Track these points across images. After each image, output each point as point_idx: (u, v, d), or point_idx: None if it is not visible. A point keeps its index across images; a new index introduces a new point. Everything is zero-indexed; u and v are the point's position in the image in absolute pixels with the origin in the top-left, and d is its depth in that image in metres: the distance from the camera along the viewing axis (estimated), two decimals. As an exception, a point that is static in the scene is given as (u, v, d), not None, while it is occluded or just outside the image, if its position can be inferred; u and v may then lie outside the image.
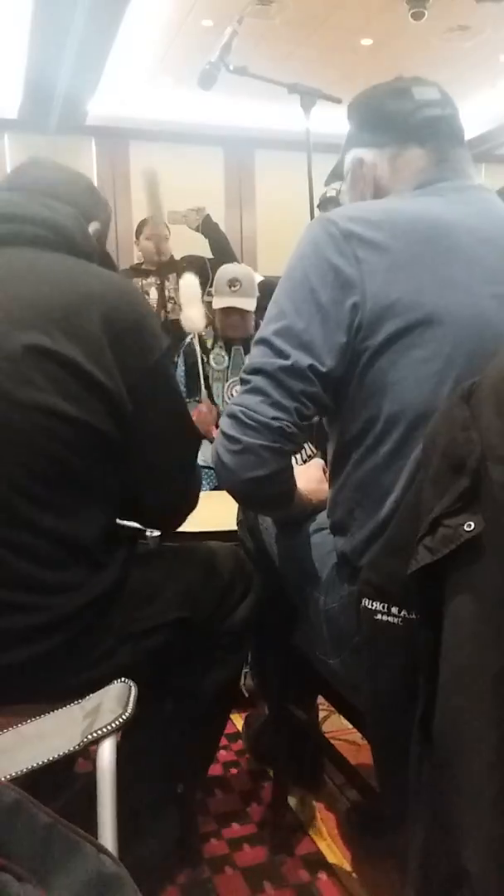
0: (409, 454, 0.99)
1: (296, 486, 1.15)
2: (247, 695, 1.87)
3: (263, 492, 1.06)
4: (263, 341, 1.03)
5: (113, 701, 0.87)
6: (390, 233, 1.01)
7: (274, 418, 0.99)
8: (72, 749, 0.78)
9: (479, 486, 0.78)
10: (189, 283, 2.59)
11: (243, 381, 1.03)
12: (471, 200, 1.09)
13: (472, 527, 0.77)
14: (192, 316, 2.57)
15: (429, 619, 0.83)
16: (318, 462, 1.40)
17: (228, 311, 2.84)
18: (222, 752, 1.77)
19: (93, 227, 1.25)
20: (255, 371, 1.02)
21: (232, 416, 1.01)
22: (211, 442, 2.97)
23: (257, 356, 1.03)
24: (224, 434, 1.02)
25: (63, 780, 1.30)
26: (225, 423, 1.03)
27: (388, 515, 1.01)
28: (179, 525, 1.30)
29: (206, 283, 3.10)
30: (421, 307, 0.98)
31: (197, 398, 2.96)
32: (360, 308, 0.99)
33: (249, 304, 2.82)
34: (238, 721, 1.87)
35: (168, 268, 3.74)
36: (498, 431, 0.79)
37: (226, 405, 2.93)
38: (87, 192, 1.29)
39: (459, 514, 0.79)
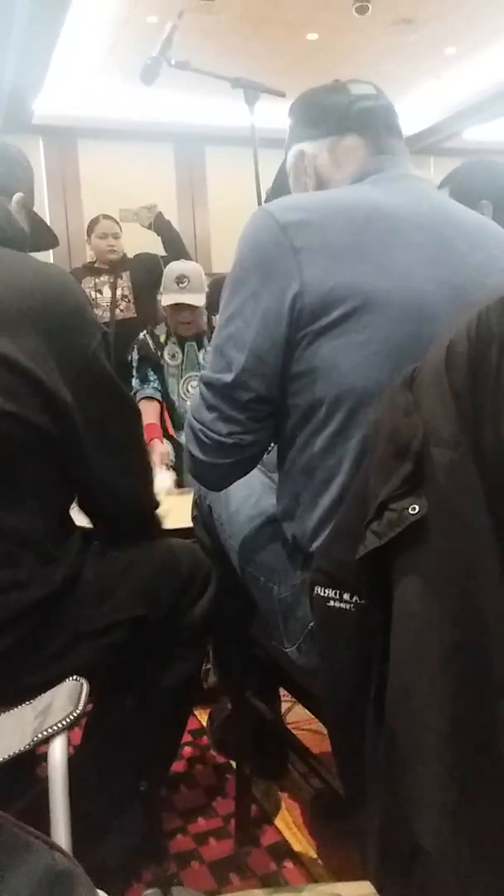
0: (351, 437, 1.00)
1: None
2: (209, 690, 1.87)
3: (228, 485, 1.21)
4: (215, 349, 1.07)
5: (64, 699, 0.87)
6: (328, 218, 1.03)
7: (228, 434, 1.05)
8: (22, 748, 0.78)
9: (423, 470, 0.79)
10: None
11: (201, 391, 1.08)
12: (406, 188, 1.10)
13: (417, 510, 0.78)
14: None
15: (379, 603, 0.84)
16: None
17: (178, 307, 2.83)
18: (186, 749, 1.77)
19: (16, 199, 1.21)
20: (208, 385, 1.07)
21: (193, 431, 1.09)
22: (168, 439, 2.93)
23: (210, 366, 1.08)
24: (188, 451, 1.12)
25: (25, 783, 1.29)
26: (189, 436, 1.11)
27: (335, 500, 1.02)
28: (145, 526, 1.30)
29: (159, 282, 3.09)
30: (359, 293, 0.99)
31: (155, 385, 2.95)
32: (298, 299, 0.99)
33: (198, 300, 2.82)
34: (202, 717, 1.87)
35: (121, 266, 3.72)
36: (440, 416, 0.80)
37: (181, 400, 2.93)
38: (2, 159, 1.23)
39: (404, 498, 0.80)
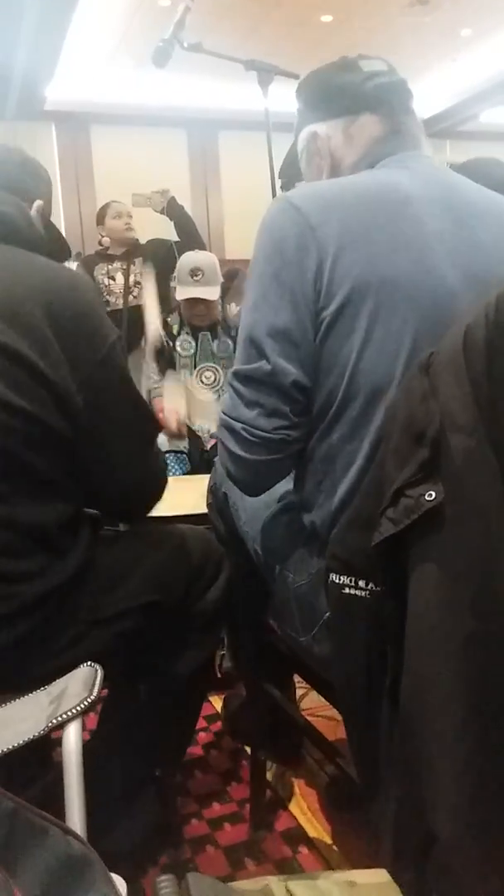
0: (371, 423, 0.99)
1: None
2: (220, 675, 1.88)
3: (271, 486, 1.15)
4: (246, 340, 1.04)
5: (79, 685, 0.87)
6: (343, 202, 1.02)
7: (275, 429, 1.02)
8: (37, 734, 0.78)
9: (439, 456, 0.79)
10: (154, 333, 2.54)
11: (234, 389, 1.05)
12: (420, 170, 1.09)
13: (434, 496, 0.78)
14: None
15: (394, 590, 0.83)
16: None
17: (193, 301, 2.81)
18: (201, 734, 1.78)
19: (36, 207, 1.22)
20: (245, 379, 1.03)
21: (234, 432, 1.04)
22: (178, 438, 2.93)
23: (243, 359, 1.04)
24: (228, 451, 1.06)
25: (39, 768, 1.30)
26: (227, 437, 1.06)
27: (353, 486, 1.01)
28: (146, 514, 1.29)
29: (172, 267, 3.07)
30: (374, 269, 0.98)
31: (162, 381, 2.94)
32: (318, 278, 0.99)
33: (213, 294, 2.80)
34: (217, 703, 1.87)
35: (133, 252, 3.71)
36: (456, 401, 0.79)
37: (196, 389, 2.92)
38: (23, 168, 1.25)
39: (421, 485, 0.79)
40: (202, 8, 2.44)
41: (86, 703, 0.82)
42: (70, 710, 0.81)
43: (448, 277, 1.00)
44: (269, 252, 1.02)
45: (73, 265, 3.51)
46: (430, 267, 0.99)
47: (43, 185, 1.28)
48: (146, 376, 3.02)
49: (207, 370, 2.91)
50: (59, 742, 0.85)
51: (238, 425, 1.03)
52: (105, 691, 1.32)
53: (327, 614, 1.06)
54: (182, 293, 2.80)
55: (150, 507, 1.29)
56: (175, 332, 2.93)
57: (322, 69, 1.19)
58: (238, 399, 1.04)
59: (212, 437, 2.75)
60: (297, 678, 1.65)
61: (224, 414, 1.07)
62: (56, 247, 1.25)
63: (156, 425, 1.29)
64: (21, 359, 1.03)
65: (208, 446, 2.77)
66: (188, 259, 2.86)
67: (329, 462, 1.05)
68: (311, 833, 1.41)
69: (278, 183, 2.46)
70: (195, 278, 2.78)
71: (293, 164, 1.27)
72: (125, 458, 1.18)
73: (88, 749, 0.86)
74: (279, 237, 1.01)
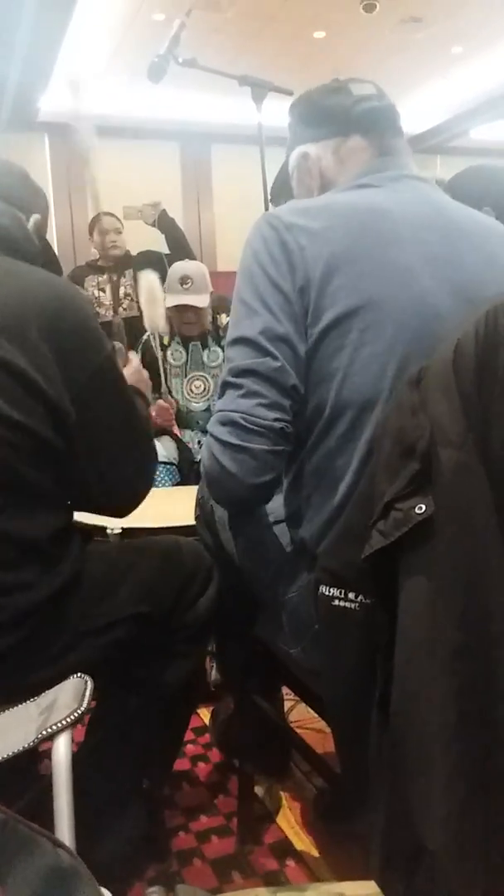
0: (360, 437, 1.00)
1: None
2: (213, 689, 1.87)
3: (264, 495, 1.08)
4: (245, 340, 1.02)
5: (68, 696, 0.87)
6: (329, 221, 1.03)
7: (276, 420, 1.00)
8: (26, 746, 0.78)
9: (430, 470, 0.79)
10: (150, 282, 2.56)
11: (232, 385, 1.02)
12: (406, 189, 1.11)
13: (424, 509, 0.78)
14: (154, 316, 2.56)
15: (384, 602, 0.84)
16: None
17: (182, 308, 2.82)
18: (189, 747, 1.77)
19: (33, 220, 1.23)
20: (246, 373, 1.01)
21: (231, 422, 1.00)
22: (171, 436, 2.95)
23: (243, 357, 1.02)
24: (222, 442, 1.01)
25: (27, 781, 1.29)
26: (221, 430, 1.02)
27: (342, 500, 1.02)
28: (129, 513, 1.29)
29: (163, 279, 3.08)
30: (362, 292, 0.99)
31: (156, 395, 2.94)
32: (305, 293, 1.00)
33: (202, 301, 2.81)
34: (205, 715, 1.87)
35: (123, 264, 3.72)
36: (446, 416, 0.80)
37: (185, 400, 2.93)
38: (23, 183, 1.26)
39: (411, 498, 0.80)
40: (197, 24, 2.46)
41: (75, 714, 0.82)
42: (59, 722, 0.81)
43: (435, 299, 1.01)
44: (266, 264, 1.03)
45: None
46: (417, 289, 1.01)
47: (41, 201, 1.29)
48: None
49: (197, 380, 2.92)
50: (46, 754, 0.84)
51: (236, 415, 1.00)
52: (93, 702, 1.31)
53: (317, 626, 1.07)
54: (171, 300, 2.81)
55: (134, 507, 1.29)
56: (166, 342, 2.94)
57: (313, 91, 1.21)
58: (235, 391, 1.01)
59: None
60: (285, 690, 1.65)
61: (218, 410, 1.03)
62: (50, 264, 1.26)
63: (149, 437, 1.29)
64: (20, 374, 1.04)
65: (198, 458, 2.77)
66: (178, 267, 2.88)
67: (318, 477, 1.05)
68: (299, 846, 1.41)
69: (270, 196, 2.48)
70: (184, 286, 2.79)
71: (285, 186, 1.28)
72: (117, 468, 1.18)
73: (76, 760, 0.85)
74: (273, 252, 1.03)
